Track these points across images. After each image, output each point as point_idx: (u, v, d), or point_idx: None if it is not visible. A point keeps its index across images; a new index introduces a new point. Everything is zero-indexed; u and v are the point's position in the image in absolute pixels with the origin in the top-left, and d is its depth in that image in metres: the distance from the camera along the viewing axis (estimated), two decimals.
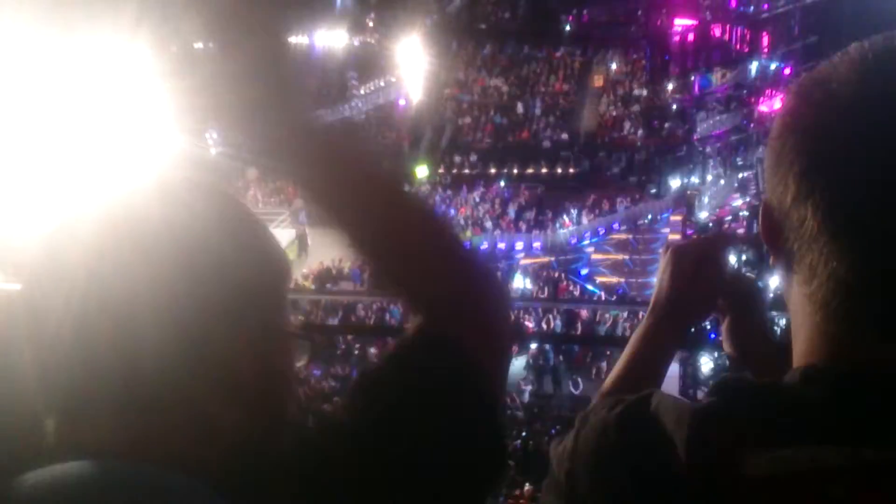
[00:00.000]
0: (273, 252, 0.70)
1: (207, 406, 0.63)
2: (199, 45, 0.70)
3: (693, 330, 1.06)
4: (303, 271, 17.74)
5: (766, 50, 26.07)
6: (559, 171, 23.92)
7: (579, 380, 14.62)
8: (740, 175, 23.06)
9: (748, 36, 26.39)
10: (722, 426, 0.56)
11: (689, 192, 22.00)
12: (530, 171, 23.99)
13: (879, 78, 0.54)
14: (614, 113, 25.81)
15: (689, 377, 13.34)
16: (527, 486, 9.34)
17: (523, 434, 11.58)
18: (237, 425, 0.64)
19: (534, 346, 14.83)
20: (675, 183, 22.85)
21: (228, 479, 0.60)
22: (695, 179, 23.10)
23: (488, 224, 21.69)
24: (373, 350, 12.70)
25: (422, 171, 24.05)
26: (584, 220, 21.41)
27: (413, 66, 24.82)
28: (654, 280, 1.01)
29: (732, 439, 0.54)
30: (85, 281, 0.61)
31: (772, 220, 0.60)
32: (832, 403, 0.53)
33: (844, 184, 0.54)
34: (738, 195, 22.36)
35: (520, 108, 26.10)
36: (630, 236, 20.67)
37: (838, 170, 0.54)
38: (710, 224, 20.37)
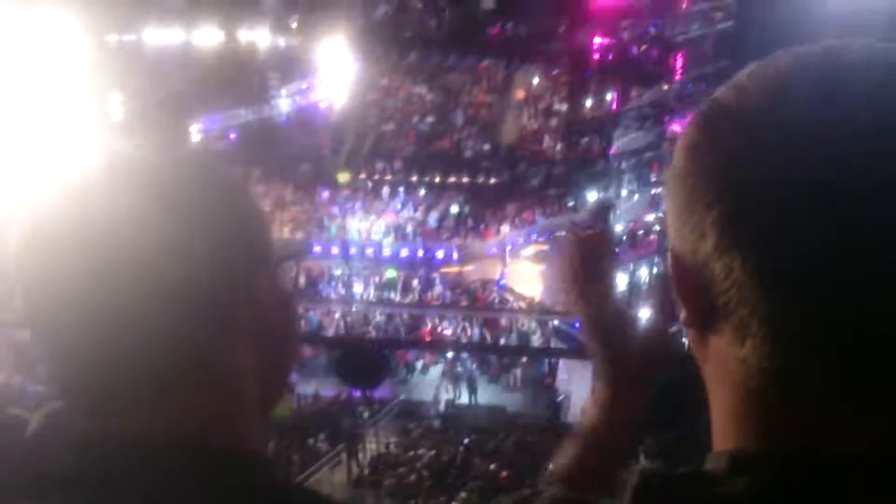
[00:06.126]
0: (245, 205, 0.71)
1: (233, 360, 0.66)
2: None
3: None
4: None
5: (679, 71, 27.10)
6: (480, 180, 24.14)
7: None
8: (653, 191, 23.85)
9: (663, 57, 27.32)
10: None
11: (604, 205, 22.67)
12: (452, 179, 24.11)
13: (794, 104, 0.46)
14: (535, 126, 26.23)
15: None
16: (441, 498, 9.27)
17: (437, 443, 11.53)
18: (264, 381, 0.69)
19: (450, 354, 14.83)
20: (591, 196, 23.47)
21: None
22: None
23: (409, 231, 21.63)
24: None
25: (343, 177, 23.77)
26: (504, 230, 21.66)
27: (337, 70, 24.51)
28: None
29: None
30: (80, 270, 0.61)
31: (685, 272, 0.51)
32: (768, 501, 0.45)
33: (778, 228, 0.45)
34: (651, 210, 23.14)
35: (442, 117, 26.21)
36: (548, 247, 21.02)
37: (768, 211, 0.45)
38: (624, 238, 21.05)
